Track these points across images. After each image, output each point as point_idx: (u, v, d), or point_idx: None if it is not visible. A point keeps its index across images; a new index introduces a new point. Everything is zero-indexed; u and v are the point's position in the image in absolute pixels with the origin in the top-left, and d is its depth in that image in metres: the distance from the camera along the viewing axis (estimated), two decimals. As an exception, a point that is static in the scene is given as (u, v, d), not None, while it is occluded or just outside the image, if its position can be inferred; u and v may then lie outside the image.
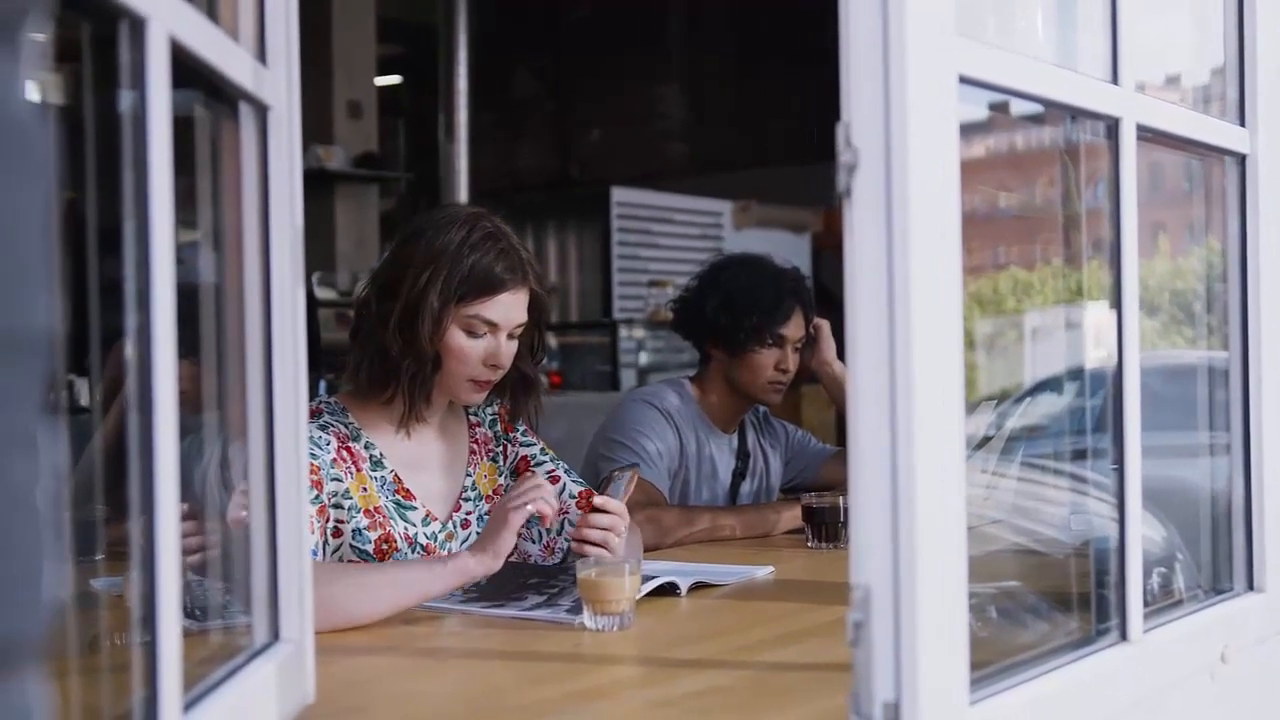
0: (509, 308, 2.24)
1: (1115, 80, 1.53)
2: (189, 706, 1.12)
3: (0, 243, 0.56)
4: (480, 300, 2.21)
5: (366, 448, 2.25)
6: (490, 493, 2.39)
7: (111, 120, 1.05)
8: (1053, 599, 1.73)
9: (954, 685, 1.22)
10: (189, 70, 1.14)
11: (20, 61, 0.57)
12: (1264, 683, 1.86)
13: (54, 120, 0.60)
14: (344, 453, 2.21)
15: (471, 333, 2.22)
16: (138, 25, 1.01)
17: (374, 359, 2.23)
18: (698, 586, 2.21)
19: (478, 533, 2.32)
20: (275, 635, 1.39)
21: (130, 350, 1.03)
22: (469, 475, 2.38)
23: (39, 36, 0.60)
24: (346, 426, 2.25)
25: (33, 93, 0.58)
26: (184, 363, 1.10)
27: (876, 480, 1.18)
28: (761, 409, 3.24)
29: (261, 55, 1.37)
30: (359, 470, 2.22)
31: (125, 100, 1.04)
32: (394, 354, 2.20)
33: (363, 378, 2.24)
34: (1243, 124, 1.83)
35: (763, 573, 2.37)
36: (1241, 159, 1.83)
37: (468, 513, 2.36)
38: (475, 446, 2.41)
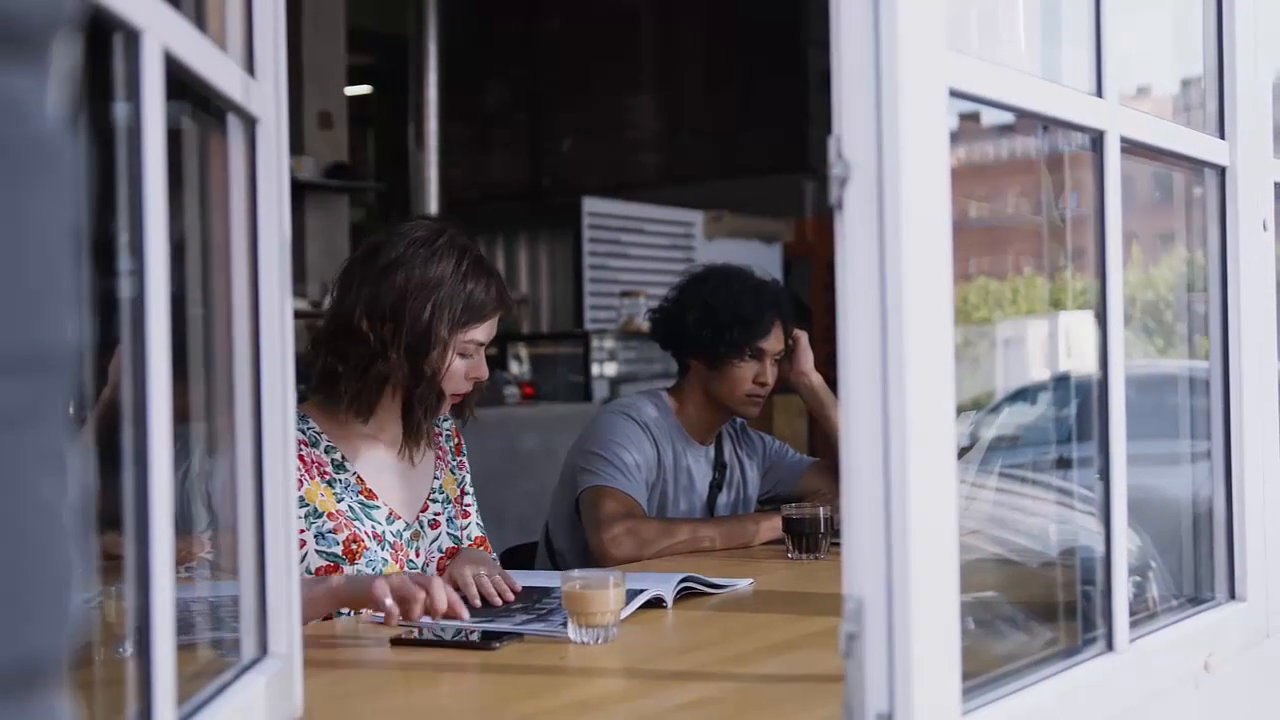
0: (494, 327, 2.36)
1: (1099, 93, 1.54)
2: (181, 723, 1.11)
3: (31, 259, 0.56)
4: (478, 325, 2.32)
5: (327, 452, 2.30)
6: (453, 498, 2.48)
7: (103, 132, 1.05)
8: (1037, 609, 1.74)
9: (947, 696, 1.23)
10: (178, 82, 1.13)
11: (48, 77, 0.56)
12: (1246, 691, 1.87)
13: (81, 135, 0.60)
14: (297, 460, 2.22)
15: (463, 355, 2.32)
16: (132, 37, 1.01)
17: (375, 385, 2.28)
18: (685, 594, 2.21)
19: (448, 533, 2.42)
20: (264, 650, 1.38)
21: (124, 363, 1.03)
22: (436, 478, 2.45)
23: (66, 53, 0.60)
24: (304, 432, 2.28)
25: (60, 108, 0.58)
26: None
27: (869, 491, 1.18)
28: (739, 420, 3.24)
29: (250, 67, 1.36)
30: (313, 477, 2.26)
31: (119, 111, 1.03)
32: (399, 382, 2.28)
33: (364, 401, 2.28)
34: (1222, 136, 1.84)
35: (744, 584, 2.37)
36: (1221, 171, 1.85)
37: (435, 513, 2.42)
38: (440, 452, 2.49)
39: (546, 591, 2.20)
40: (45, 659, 0.56)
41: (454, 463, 2.52)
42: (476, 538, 2.48)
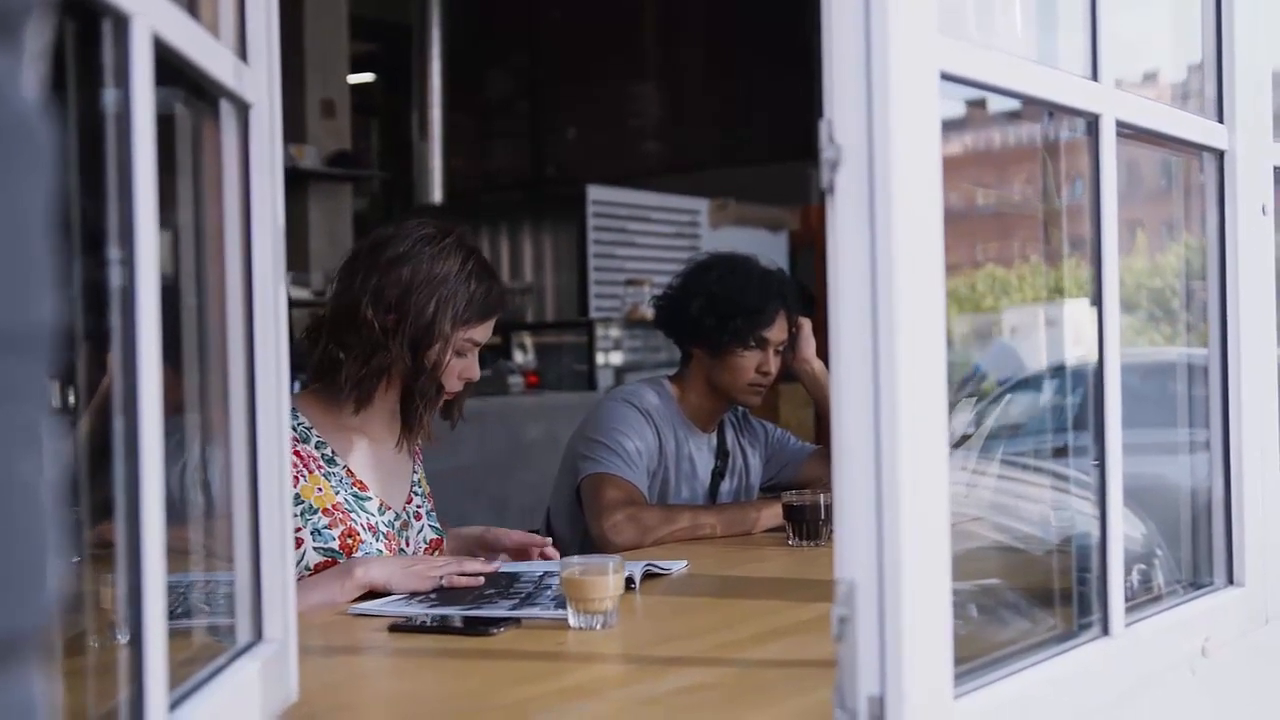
0: (490, 328, 2.40)
1: (1095, 77, 1.54)
2: (174, 706, 1.11)
3: (8, 238, 0.56)
4: (477, 325, 2.35)
5: (317, 447, 2.32)
6: (428, 493, 2.52)
7: (92, 118, 1.04)
8: (1035, 595, 1.74)
9: (939, 679, 1.23)
10: (170, 68, 1.13)
11: (22, 59, 0.57)
12: (1244, 676, 1.87)
13: (55, 117, 0.60)
14: (293, 456, 2.24)
15: (459, 353, 2.34)
16: (121, 23, 1.01)
17: (375, 375, 2.30)
18: (649, 576, 2.26)
19: (430, 525, 2.47)
20: (259, 634, 1.39)
21: (114, 352, 1.03)
22: (415, 472, 2.49)
23: (41, 31, 0.60)
24: (295, 429, 2.29)
25: (34, 90, 0.58)
26: (163, 365, 1.10)
27: (860, 475, 1.19)
28: (741, 408, 3.24)
29: (243, 53, 1.36)
30: (311, 472, 2.28)
31: (107, 98, 1.03)
32: (397, 374, 2.31)
33: (363, 391, 2.28)
34: (1221, 120, 1.84)
35: (677, 567, 2.39)
36: (1220, 155, 1.84)
37: (418, 506, 2.47)
38: (417, 450, 2.52)
39: (515, 577, 2.23)
40: (21, 635, 0.57)
41: (422, 461, 2.57)
42: (432, 540, 2.49)
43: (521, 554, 2.45)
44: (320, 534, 2.24)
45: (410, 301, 2.27)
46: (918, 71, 1.21)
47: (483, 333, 2.36)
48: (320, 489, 2.28)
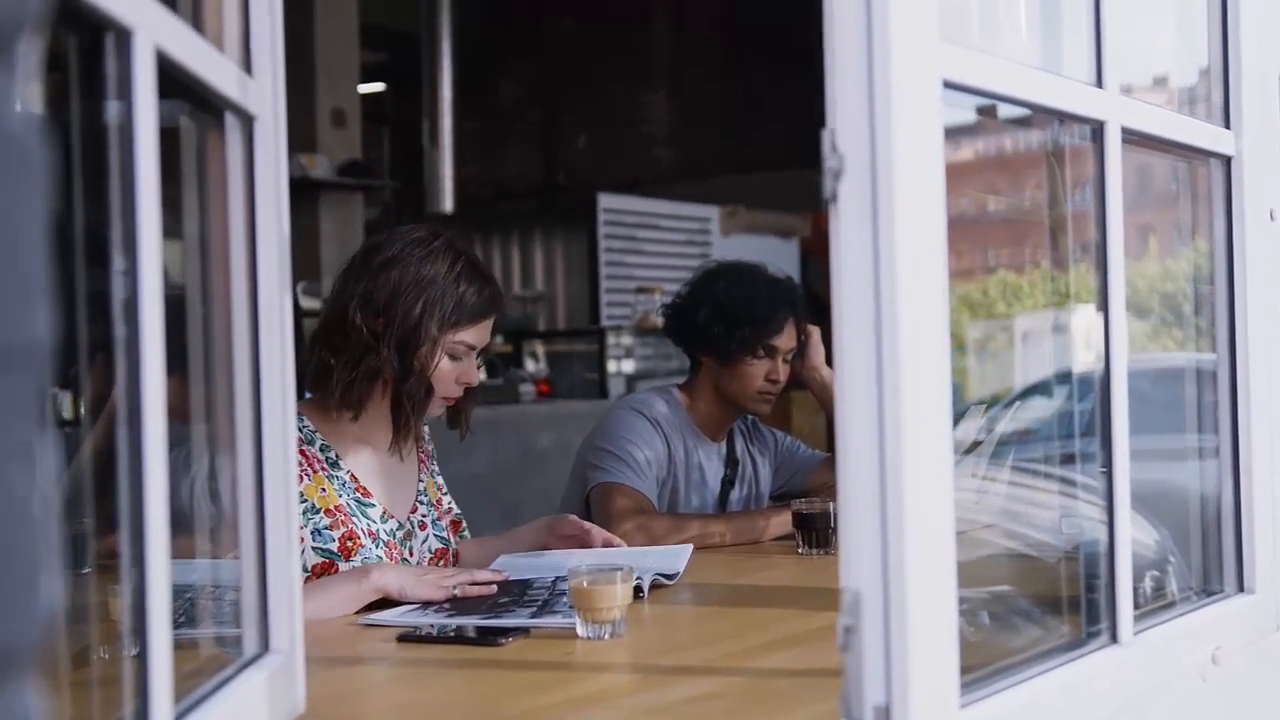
0: (487, 331, 2.39)
1: (1100, 83, 1.54)
2: (179, 717, 1.11)
3: (1, 255, 0.56)
4: (468, 327, 2.34)
5: (322, 450, 2.33)
6: (435, 501, 2.52)
7: (96, 131, 1.05)
8: (1044, 602, 1.74)
9: (944, 688, 1.22)
10: (174, 80, 1.14)
11: (16, 73, 0.57)
12: (1254, 683, 1.86)
13: (48, 132, 0.60)
14: (297, 455, 2.25)
15: (453, 356, 2.34)
16: (124, 36, 1.01)
17: (365, 379, 2.30)
18: (656, 586, 2.25)
19: (435, 535, 2.47)
20: (265, 646, 1.39)
21: (118, 363, 1.03)
22: (420, 481, 2.49)
23: (34, 48, 0.60)
24: (300, 431, 2.30)
25: (28, 104, 0.59)
26: (170, 376, 1.10)
27: (865, 484, 1.18)
28: (750, 416, 3.24)
29: (247, 65, 1.37)
30: (315, 473, 2.30)
31: (111, 111, 1.03)
32: (389, 378, 2.31)
33: (353, 395, 2.29)
34: (1228, 126, 1.83)
35: (684, 559, 2.40)
36: (1227, 161, 1.84)
37: (423, 515, 2.47)
38: (423, 457, 2.53)
39: (528, 584, 2.23)
40: (15, 649, 0.57)
41: (433, 467, 2.57)
42: (453, 522, 2.54)
43: (582, 542, 2.48)
44: (321, 534, 2.25)
45: (398, 304, 2.28)
46: (919, 79, 1.20)
47: (475, 336, 2.35)
48: (324, 489, 2.29)
